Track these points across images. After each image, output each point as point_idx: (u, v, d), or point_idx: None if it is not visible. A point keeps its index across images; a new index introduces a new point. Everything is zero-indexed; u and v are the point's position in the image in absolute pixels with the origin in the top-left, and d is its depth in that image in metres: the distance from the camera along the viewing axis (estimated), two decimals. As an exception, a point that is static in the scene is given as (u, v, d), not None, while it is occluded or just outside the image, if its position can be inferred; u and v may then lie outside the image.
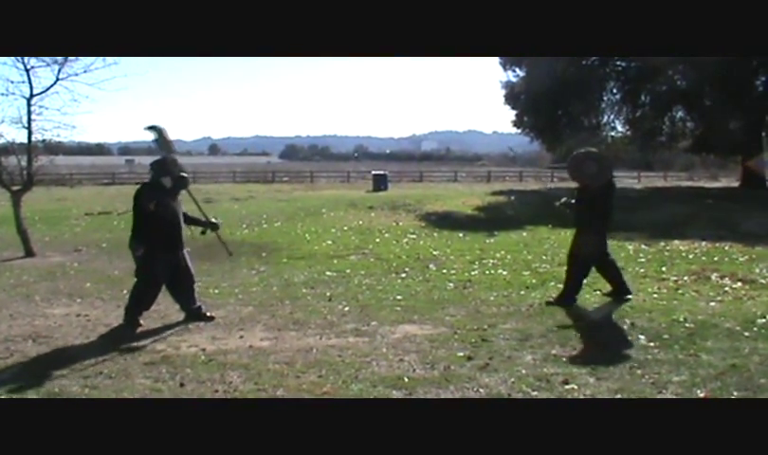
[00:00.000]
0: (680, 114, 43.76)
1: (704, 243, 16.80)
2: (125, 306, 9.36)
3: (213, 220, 10.14)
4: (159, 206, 8.98)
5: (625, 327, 8.75)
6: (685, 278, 12.13)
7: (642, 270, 12.96)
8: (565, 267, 10.68)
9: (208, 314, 9.57)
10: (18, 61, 16.07)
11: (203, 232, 10.01)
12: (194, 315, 9.49)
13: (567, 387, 6.58)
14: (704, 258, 14.59)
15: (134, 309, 9.22)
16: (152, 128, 9.52)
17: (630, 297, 10.45)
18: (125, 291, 11.07)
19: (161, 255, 9.18)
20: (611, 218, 10.68)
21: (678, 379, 6.76)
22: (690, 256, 14.85)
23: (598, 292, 10.82)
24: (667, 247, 16.04)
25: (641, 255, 14.94)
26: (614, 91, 42.37)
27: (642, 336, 8.26)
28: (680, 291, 11.03)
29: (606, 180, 10.35)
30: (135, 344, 8.24)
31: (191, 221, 9.81)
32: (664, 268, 13.15)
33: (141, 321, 9.21)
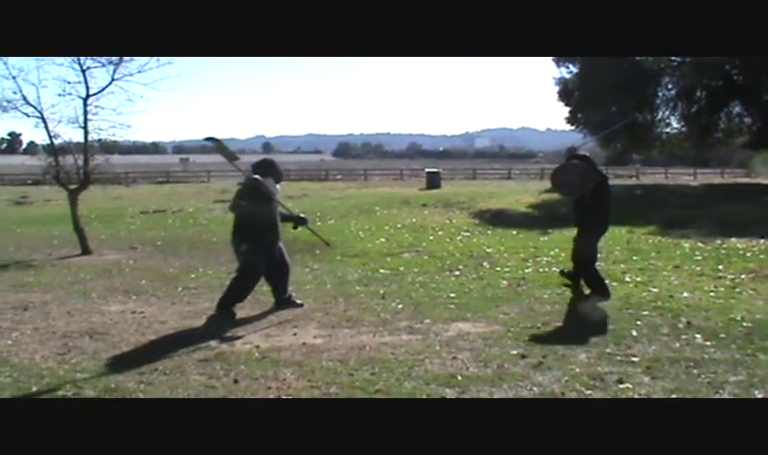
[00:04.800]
0: (737, 109, 42.86)
1: (762, 240, 16.47)
2: (221, 298, 9.80)
3: (301, 215, 10.57)
4: (259, 204, 9.50)
5: (681, 326, 8.64)
6: (743, 276, 11.94)
7: (698, 268, 12.78)
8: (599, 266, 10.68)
9: (298, 301, 10.15)
10: (74, 62, 16.29)
11: (294, 227, 10.45)
12: (284, 303, 10.09)
13: (621, 386, 6.52)
14: (761, 256, 14.33)
15: (231, 300, 9.70)
16: (209, 139, 10.15)
17: (606, 297, 10.44)
18: (180, 288, 11.25)
19: (262, 251, 9.66)
20: (606, 216, 10.90)
21: (735, 379, 6.66)
22: (748, 254, 14.60)
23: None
24: (724, 245, 15.79)
25: (697, 253, 14.73)
26: (669, 87, 41.63)
27: (698, 335, 8.15)
28: (737, 290, 10.85)
29: (592, 185, 10.45)
30: (189, 341, 8.32)
31: (283, 218, 10.22)
32: (720, 266, 12.94)
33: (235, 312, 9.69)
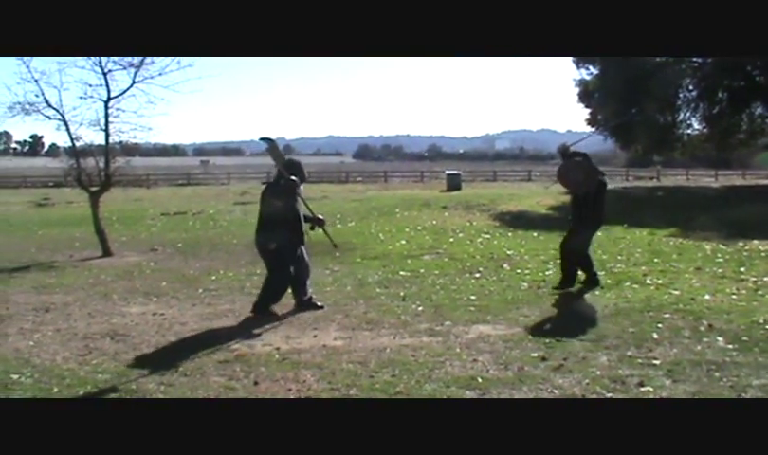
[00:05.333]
0: (759, 110, 42.56)
1: (784, 242, 16.37)
2: (257, 301, 9.92)
3: (320, 217, 10.62)
4: (290, 204, 9.77)
5: (702, 328, 8.58)
6: (765, 278, 11.83)
7: (720, 270, 12.70)
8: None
9: (318, 303, 10.17)
10: (96, 65, 16.38)
11: (312, 227, 10.46)
12: (305, 304, 10.13)
13: (642, 389, 6.49)
14: (784, 258, 14.25)
15: (268, 302, 9.84)
16: (264, 139, 10.19)
17: (568, 289, 11.05)
18: (200, 290, 11.28)
19: (290, 249, 9.82)
20: (603, 214, 11.29)
21: (758, 383, 6.60)
22: (770, 256, 14.52)
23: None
24: (746, 247, 15.68)
25: (719, 255, 14.63)
26: (690, 88, 41.35)
27: (720, 338, 8.09)
28: (759, 292, 10.76)
29: (594, 184, 10.88)
30: (209, 343, 8.34)
31: (304, 218, 10.31)
32: (742, 269, 12.84)
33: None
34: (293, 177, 9.81)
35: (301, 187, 10.10)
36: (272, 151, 10.09)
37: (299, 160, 10.60)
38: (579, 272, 11.36)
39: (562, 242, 11.53)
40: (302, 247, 10.11)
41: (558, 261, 11.54)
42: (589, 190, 10.86)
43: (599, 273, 11.56)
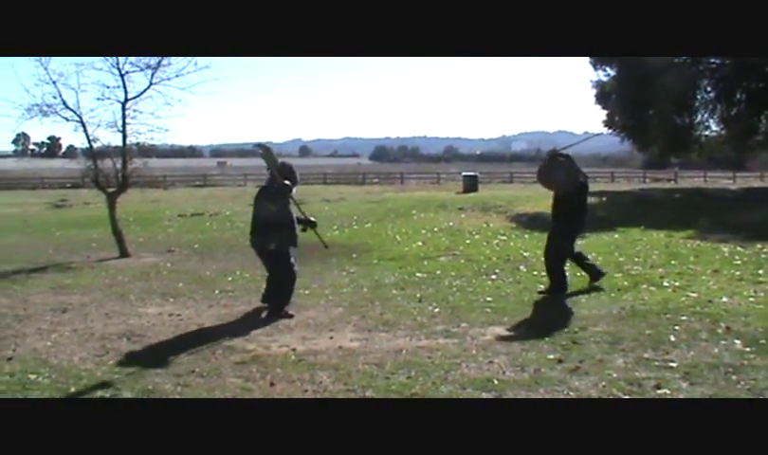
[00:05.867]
0: (778, 111, 42.43)
1: (802, 245, 16.26)
2: (273, 303, 10.05)
3: (312, 218, 10.77)
4: (283, 207, 9.95)
5: (720, 331, 8.53)
6: (784, 281, 11.80)
7: (738, 273, 12.62)
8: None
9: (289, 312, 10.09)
10: (113, 66, 16.46)
11: (303, 229, 10.56)
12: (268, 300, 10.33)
13: (659, 391, 6.46)
14: (803, 260, 14.15)
15: (283, 302, 9.97)
16: (258, 145, 10.47)
17: (563, 292, 10.98)
18: (217, 291, 11.32)
19: (288, 247, 9.98)
20: (585, 216, 11.45)
21: (776, 385, 6.60)
22: (789, 259, 14.43)
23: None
24: (764, 249, 15.55)
25: (736, 257, 14.55)
26: (708, 89, 41.16)
27: (737, 341, 8.04)
28: (778, 294, 10.71)
29: (576, 184, 10.95)
30: (226, 344, 8.36)
31: (297, 220, 10.43)
32: (760, 271, 12.75)
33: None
34: (286, 181, 9.98)
35: (294, 190, 10.25)
36: (267, 156, 10.27)
37: (291, 164, 10.71)
38: (583, 272, 11.53)
39: (546, 246, 11.57)
40: (292, 250, 10.22)
41: (565, 264, 11.49)
42: (568, 190, 10.95)
43: (616, 275, 11.54)
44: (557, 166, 11.09)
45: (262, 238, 10.01)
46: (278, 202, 9.92)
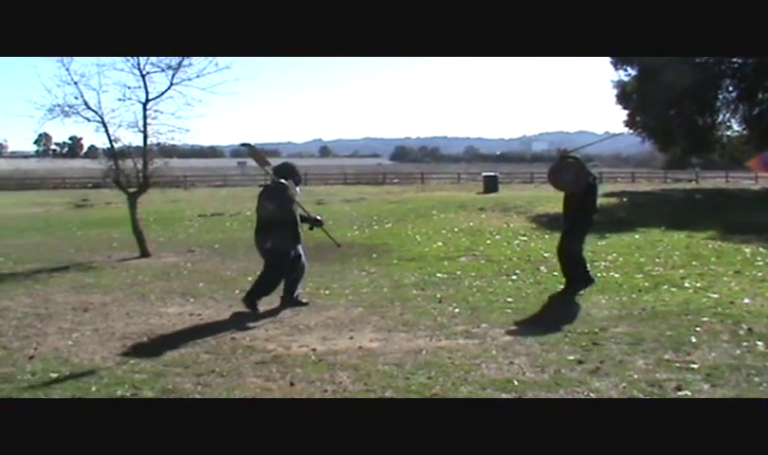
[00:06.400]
0: (800, 111, 42.11)
1: (825, 245, 16.14)
2: (249, 290, 10.24)
3: (318, 217, 10.93)
4: (283, 206, 9.99)
5: (742, 332, 8.48)
6: (806, 282, 11.71)
7: (760, 274, 12.54)
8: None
9: (303, 300, 10.46)
10: (134, 67, 16.51)
11: (311, 228, 10.79)
12: (291, 302, 10.42)
13: (680, 393, 6.43)
14: (825, 261, 14.05)
15: (258, 294, 10.12)
16: (244, 145, 10.84)
17: (585, 288, 11.08)
18: (238, 291, 11.33)
19: (286, 248, 10.11)
20: (593, 215, 11.42)
21: (799, 387, 6.55)
22: (811, 259, 14.31)
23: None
24: (787, 251, 15.50)
25: (758, 258, 14.45)
26: (730, 89, 40.94)
27: (760, 343, 7.99)
28: (801, 296, 10.64)
29: (584, 184, 10.97)
30: (246, 344, 8.38)
31: (302, 219, 10.59)
32: (784, 272, 12.71)
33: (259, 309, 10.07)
34: (282, 180, 10.08)
35: (297, 189, 10.36)
36: (253, 155, 10.40)
37: (292, 164, 10.81)
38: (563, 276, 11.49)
39: (558, 246, 11.60)
40: (300, 247, 10.41)
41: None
42: (577, 190, 10.95)
43: (636, 276, 11.49)
44: (565, 166, 11.13)
45: (261, 237, 10.14)
46: (275, 200, 9.97)
